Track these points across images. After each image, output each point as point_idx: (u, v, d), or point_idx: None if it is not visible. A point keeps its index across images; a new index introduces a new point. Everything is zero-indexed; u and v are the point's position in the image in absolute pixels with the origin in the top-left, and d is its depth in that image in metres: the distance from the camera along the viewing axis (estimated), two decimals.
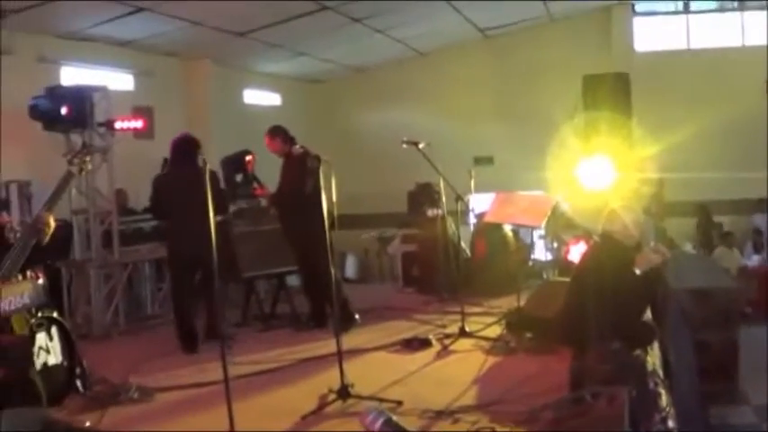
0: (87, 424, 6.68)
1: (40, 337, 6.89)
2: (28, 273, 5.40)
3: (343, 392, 7.03)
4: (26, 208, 11.09)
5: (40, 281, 4.22)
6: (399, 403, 6.83)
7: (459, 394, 7.20)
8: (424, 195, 13.69)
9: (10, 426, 1.46)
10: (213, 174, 9.22)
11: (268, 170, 11.08)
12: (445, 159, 9.76)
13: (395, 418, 1.76)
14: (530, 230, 12.38)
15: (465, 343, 9.13)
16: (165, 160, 13.39)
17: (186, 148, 9.57)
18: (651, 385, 5.05)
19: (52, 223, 5.42)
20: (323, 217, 7.56)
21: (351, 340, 9.09)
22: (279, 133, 10.30)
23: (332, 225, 7.71)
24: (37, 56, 12.05)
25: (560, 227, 12.30)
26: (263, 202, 11.54)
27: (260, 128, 10.81)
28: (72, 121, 10.62)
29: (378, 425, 1.74)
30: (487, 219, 10.79)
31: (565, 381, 6.20)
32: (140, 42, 13.53)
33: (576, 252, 11.20)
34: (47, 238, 5.44)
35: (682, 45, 17.79)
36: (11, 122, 10.41)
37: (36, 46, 11.97)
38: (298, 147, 9.55)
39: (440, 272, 11.89)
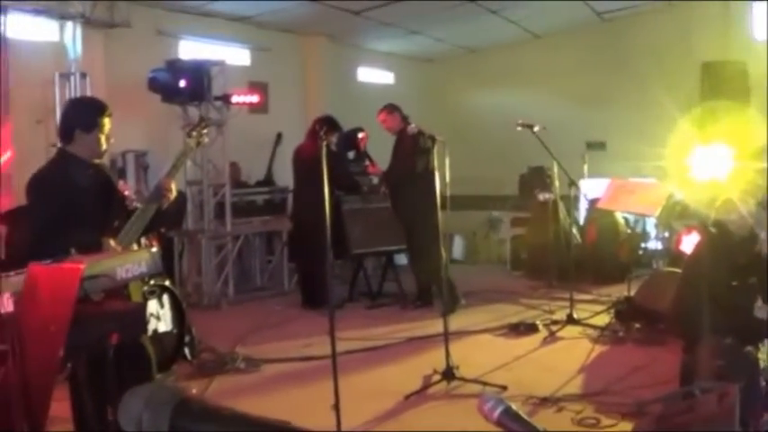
0: (193, 391, 6.82)
1: (152, 305, 7.05)
2: (143, 241, 5.53)
3: (448, 374, 7.04)
4: (142, 177, 11.33)
5: (155, 249, 4.29)
6: (504, 388, 6.82)
7: (565, 382, 7.13)
8: (535, 179, 13.57)
9: (145, 401, 1.50)
10: (335, 153, 9.49)
11: (378, 148, 11.11)
12: (557, 143, 9.63)
13: (514, 407, 1.73)
14: (641, 219, 12.18)
15: (572, 330, 9.05)
16: (279, 135, 13.58)
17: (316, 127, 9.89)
18: (762, 383, 4.93)
19: (174, 189, 5.51)
20: (434, 197, 7.55)
21: (457, 322, 9.06)
22: (395, 110, 10.40)
23: (443, 205, 7.69)
24: (156, 29, 12.24)
25: (674, 216, 12.07)
26: (375, 180, 11.61)
27: (373, 106, 10.86)
28: (190, 95, 10.84)
29: (496, 413, 1.71)
30: (601, 205, 10.64)
31: (673, 374, 6.10)
32: (257, 18, 13.64)
33: (688, 242, 10.98)
34: (167, 204, 5.55)
35: None
36: (130, 93, 10.60)
37: (155, 19, 12.15)
38: (412, 126, 9.63)
39: (549, 257, 11.78)
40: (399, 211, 10.47)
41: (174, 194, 5.50)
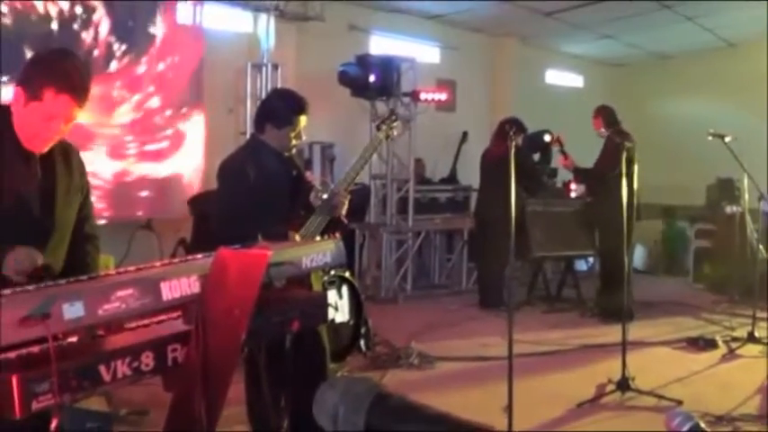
0: None
1: (331, 295, 7.15)
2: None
3: (623, 384, 6.92)
4: (327, 169, 11.53)
5: (340, 240, 4.33)
6: (679, 403, 6.65)
7: (742, 401, 6.89)
8: (724, 191, 13.19)
9: (341, 394, 1.51)
10: (522, 153, 9.52)
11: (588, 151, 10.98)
12: (748, 155, 9.32)
13: (702, 424, 1.67)
14: None
15: (752, 349, 8.71)
16: (464, 134, 13.61)
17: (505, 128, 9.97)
18: None
19: (347, 200, 5.33)
20: (629, 204, 7.43)
21: (634, 332, 8.84)
22: (599, 114, 10.39)
23: (635, 214, 7.57)
24: (347, 24, 12.45)
25: None
26: (556, 181, 11.53)
27: (560, 108, 10.78)
28: (379, 90, 10.98)
29: (684, 429, 1.66)
30: None
31: None
32: (448, 17, 13.70)
33: None
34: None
35: None
36: (320, 86, 10.76)
37: (347, 14, 12.36)
38: (602, 130, 9.63)
39: (733, 271, 11.44)
40: (594, 215, 10.40)
41: (346, 206, 5.36)
